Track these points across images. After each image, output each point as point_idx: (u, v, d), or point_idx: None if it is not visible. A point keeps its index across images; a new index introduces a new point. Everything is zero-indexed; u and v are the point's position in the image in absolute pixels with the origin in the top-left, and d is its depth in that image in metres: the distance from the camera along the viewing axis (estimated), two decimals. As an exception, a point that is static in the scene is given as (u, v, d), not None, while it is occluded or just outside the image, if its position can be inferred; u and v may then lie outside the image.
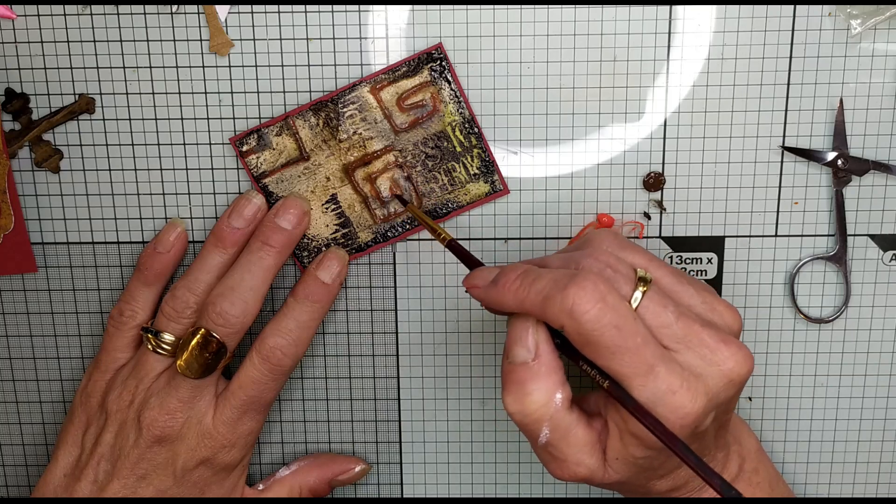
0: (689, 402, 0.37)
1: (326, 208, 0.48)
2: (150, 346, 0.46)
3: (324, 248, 0.49)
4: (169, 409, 0.46)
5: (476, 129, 0.47)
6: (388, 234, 0.49)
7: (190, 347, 0.45)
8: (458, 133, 0.47)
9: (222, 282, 0.46)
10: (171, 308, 0.46)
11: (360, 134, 0.47)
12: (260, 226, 0.47)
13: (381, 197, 0.48)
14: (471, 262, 0.44)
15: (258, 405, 0.47)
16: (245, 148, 0.47)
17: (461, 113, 0.47)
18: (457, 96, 0.47)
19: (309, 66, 0.47)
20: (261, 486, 0.50)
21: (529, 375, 0.39)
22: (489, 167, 0.48)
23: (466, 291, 0.42)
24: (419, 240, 0.50)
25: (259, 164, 0.48)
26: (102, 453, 0.47)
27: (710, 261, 0.50)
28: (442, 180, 0.48)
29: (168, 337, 0.46)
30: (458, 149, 0.48)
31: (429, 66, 0.46)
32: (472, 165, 0.48)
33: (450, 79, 0.46)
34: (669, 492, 0.43)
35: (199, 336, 0.45)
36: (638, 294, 0.38)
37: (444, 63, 0.46)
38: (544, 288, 0.38)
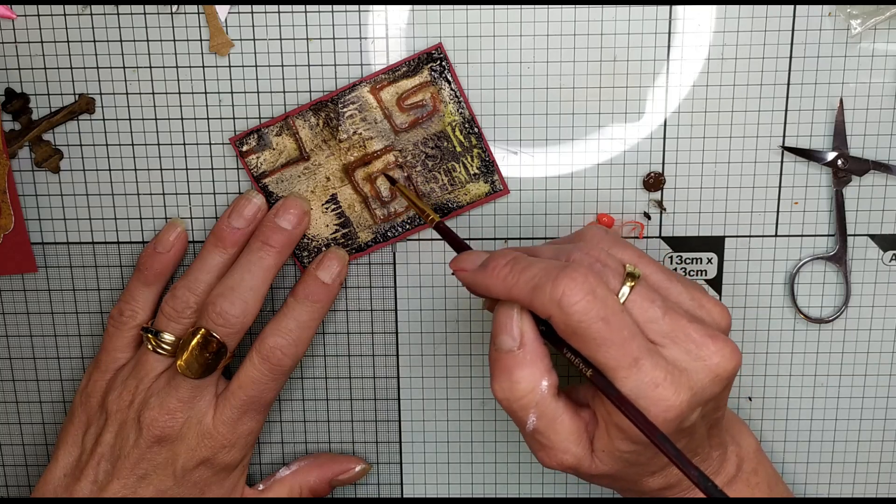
0: (672, 395, 0.37)
1: (326, 208, 0.48)
2: (150, 346, 0.46)
3: (324, 248, 0.49)
4: (169, 409, 0.46)
5: (476, 129, 0.47)
6: (389, 234, 0.49)
7: (190, 347, 0.45)
8: (458, 133, 0.47)
9: (222, 282, 0.46)
10: (171, 308, 0.46)
11: (360, 134, 0.47)
12: (260, 226, 0.47)
13: (381, 197, 0.48)
14: (458, 244, 0.44)
15: (258, 405, 0.47)
16: (245, 148, 0.47)
17: (461, 113, 0.47)
18: (457, 96, 0.47)
19: (309, 66, 0.47)
20: (261, 486, 0.50)
21: (515, 363, 0.39)
22: (489, 167, 0.48)
23: (452, 273, 0.42)
24: (419, 240, 0.50)
25: (259, 164, 0.48)
26: (102, 453, 0.47)
27: (710, 261, 0.50)
28: (442, 180, 0.48)
29: (168, 337, 0.46)
30: (458, 149, 0.48)
31: (429, 66, 0.46)
32: (472, 165, 0.48)
33: (450, 79, 0.46)
34: (662, 490, 0.43)
35: (199, 336, 0.45)
36: (626, 289, 0.39)
37: (444, 63, 0.46)
38: (534, 277, 0.38)
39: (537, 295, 0.38)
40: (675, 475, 0.42)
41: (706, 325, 0.39)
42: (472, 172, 0.48)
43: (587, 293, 0.37)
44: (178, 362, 0.45)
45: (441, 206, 0.48)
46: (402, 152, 0.48)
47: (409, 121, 0.47)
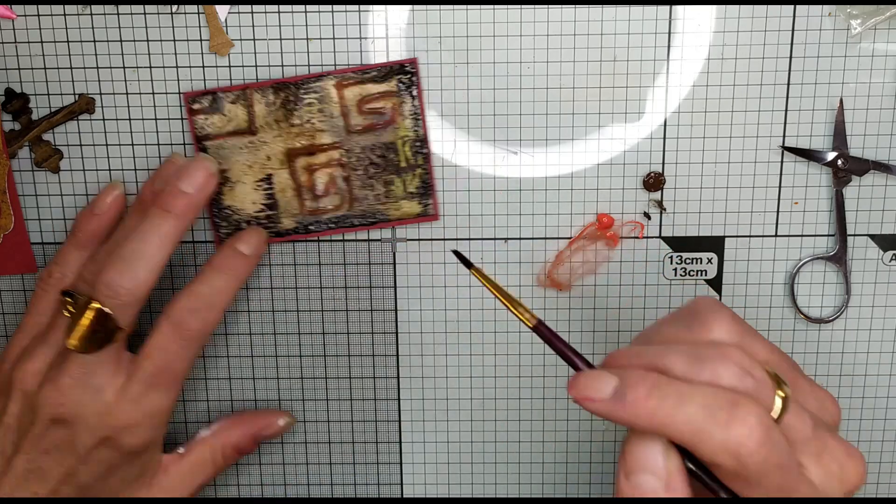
0: None
1: (259, 186, 0.48)
2: (66, 312, 0.44)
3: (244, 225, 0.48)
4: (61, 387, 0.44)
5: (425, 150, 0.47)
6: (311, 227, 0.49)
7: (80, 321, 0.43)
8: (406, 149, 0.47)
9: (114, 252, 0.44)
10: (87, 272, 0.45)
11: (314, 124, 0.47)
12: (161, 191, 0.45)
13: (314, 189, 0.48)
14: (567, 354, 0.37)
15: (167, 378, 0.44)
16: (196, 106, 0.47)
17: (416, 130, 0.47)
18: (416, 114, 0.47)
19: (309, 65, 0.47)
20: (181, 450, 0.48)
21: None
22: (427, 190, 0.48)
23: (575, 401, 0.35)
24: (419, 240, 0.49)
25: (205, 126, 0.47)
26: (9, 424, 0.45)
27: (710, 261, 0.50)
28: (378, 190, 0.48)
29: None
30: (403, 164, 0.47)
31: (398, 77, 0.46)
32: (411, 184, 0.48)
33: (414, 94, 0.46)
34: None
35: (89, 309, 0.43)
36: (778, 402, 0.35)
37: (413, 78, 0.46)
38: (695, 418, 0.33)
39: (703, 440, 0.33)
40: None
41: (842, 440, 0.36)
42: (409, 190, 0.48)
43: (765, 442, 0.33)
44: (69, 340, 0.43)
45: (369, 214, 0.48)
46: (349, 152, 0.47)
47: (365, 124, 0.47)
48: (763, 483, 0.34)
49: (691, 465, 0.35)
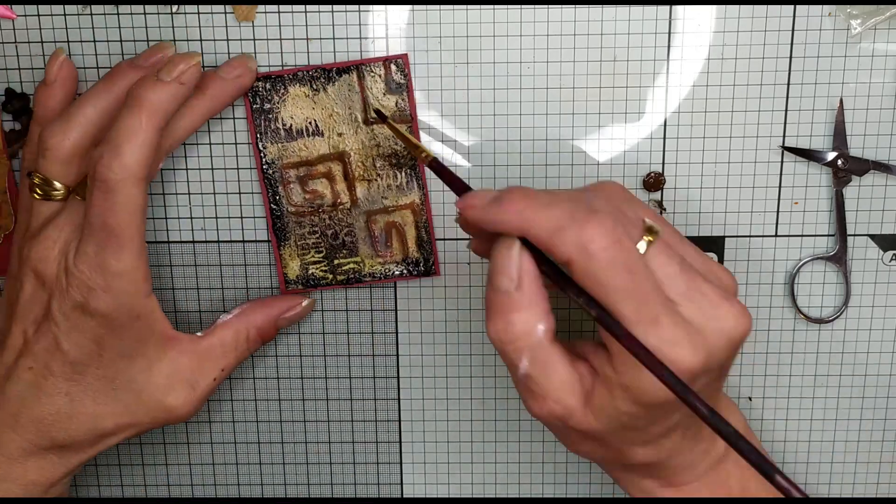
0: (690, 355, 0.36)
1: (311, 125, 0.47)
2: (36, 194, 0.44)
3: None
4: (41, 241, 0.43)
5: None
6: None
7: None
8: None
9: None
10: None
11: (384, 180, 0.48)
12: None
13: (318, 192, 0.48)
14: (458, 185, 0.42)
15: (107, 235, 0.41)
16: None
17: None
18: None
19: (309, 66, 0.47)
20: (199, 334, 0.46)
21: (512, 304, 0.38)
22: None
23: (459, 212, 0.39)
24: (419, 240, 0.50)
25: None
26: (13, 300, 0.44)
27: (710, 261, 0.50)
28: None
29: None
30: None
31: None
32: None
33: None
34: (648, 467, 0.41)
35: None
36: (643, 244, 0.37)
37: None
38: (557, 217, 0.36)
39: (559, 236, 0.36)
40: (667, 449, 0.41)
41: (718, 288, 0.39)
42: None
43: (615, 241, 0.36)
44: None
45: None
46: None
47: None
48: (610, 282, 0.36)
49: (543, 267, 0.38)
